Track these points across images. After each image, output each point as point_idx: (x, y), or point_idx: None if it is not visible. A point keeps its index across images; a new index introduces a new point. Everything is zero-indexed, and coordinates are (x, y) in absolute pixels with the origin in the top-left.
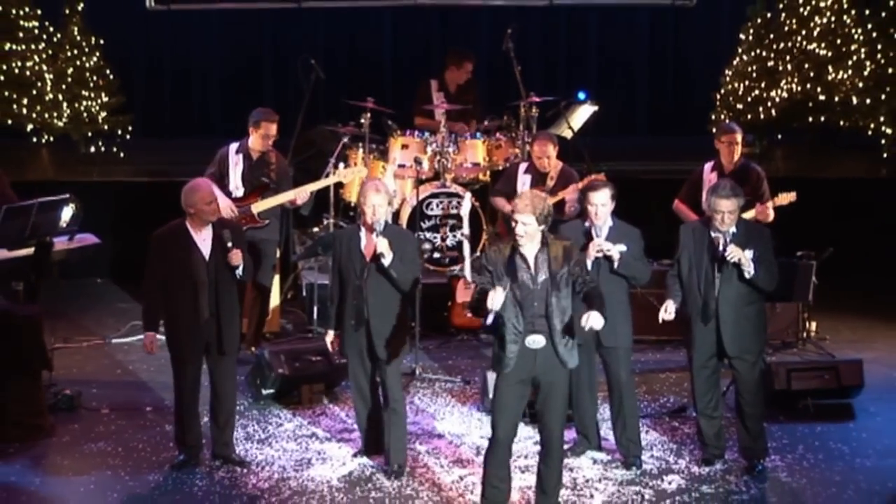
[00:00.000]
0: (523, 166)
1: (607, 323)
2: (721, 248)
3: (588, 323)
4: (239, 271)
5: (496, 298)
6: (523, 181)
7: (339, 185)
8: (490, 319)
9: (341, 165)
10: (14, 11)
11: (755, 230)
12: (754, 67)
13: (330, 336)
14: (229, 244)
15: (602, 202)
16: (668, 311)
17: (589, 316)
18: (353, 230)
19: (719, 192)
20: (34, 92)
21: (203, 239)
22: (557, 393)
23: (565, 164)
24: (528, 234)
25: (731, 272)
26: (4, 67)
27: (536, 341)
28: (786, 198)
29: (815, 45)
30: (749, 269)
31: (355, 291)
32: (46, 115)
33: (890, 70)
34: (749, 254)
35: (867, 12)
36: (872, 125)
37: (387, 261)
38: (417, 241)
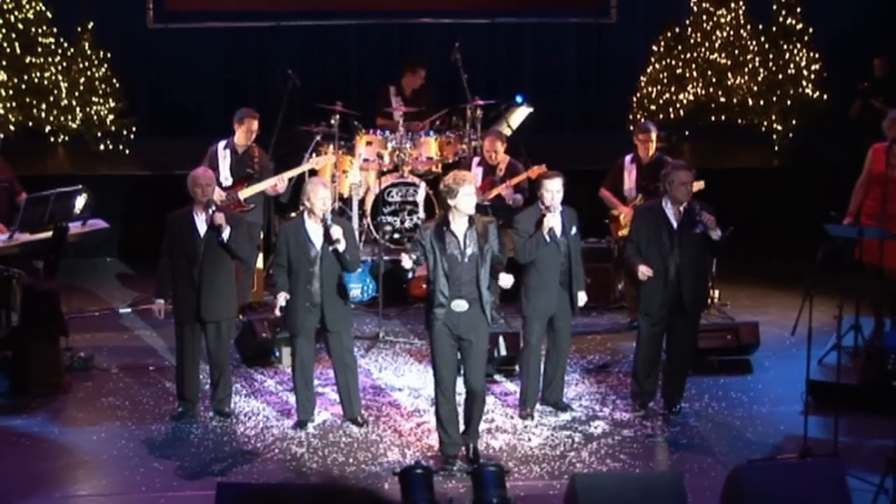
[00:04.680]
0: (476, 160)
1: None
2: (695, 214)
3: (502, 281)
4: (225, 235)
5: (405, 261)
6: (476, 173)
7: (312, 173)
8: (410, 275)
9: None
10: (34, 30)
11: (704, 206)
12: (665, 74)
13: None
14: (211, 210)
15: (557, 188)
16: (648, 270)
17: (501, 276)
18: (297, 224)
19: (683, 168)
20: (51, 98)
21: (202, 221)
22: (478, 349)
23: (512, 158)
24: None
25: (690, 240)
26: (26, 77)
27: (461, 305)
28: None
29: (716, 55)
30: (718, 232)
31: (308, 277)
32: (62, 118)
33: (780, 76)
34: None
35: (760, 27)
36: (765, 123)
37: (341, 246)
38: (351, 225)
